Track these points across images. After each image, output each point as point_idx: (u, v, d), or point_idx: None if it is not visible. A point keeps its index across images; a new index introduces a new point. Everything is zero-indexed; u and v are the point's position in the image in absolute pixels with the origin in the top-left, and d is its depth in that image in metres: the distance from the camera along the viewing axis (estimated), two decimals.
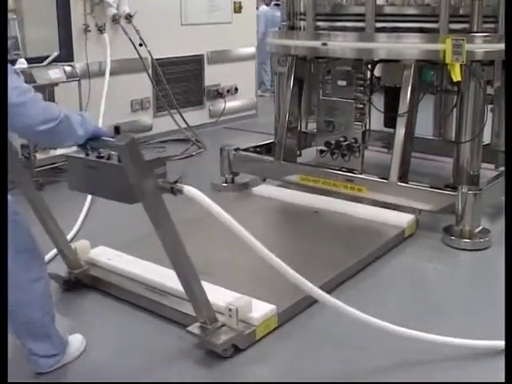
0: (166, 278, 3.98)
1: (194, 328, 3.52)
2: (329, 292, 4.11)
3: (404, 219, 5.23)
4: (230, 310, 3.55)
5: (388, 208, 5.43)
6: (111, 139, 3.14)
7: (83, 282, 4.34)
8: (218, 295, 3.74)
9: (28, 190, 3.74)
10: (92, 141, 3.13)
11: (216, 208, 3.14)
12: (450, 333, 3.71)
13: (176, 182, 3.17)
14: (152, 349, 3.64)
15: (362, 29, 5.49)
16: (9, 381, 2.77)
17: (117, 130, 3.24)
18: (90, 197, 5.71)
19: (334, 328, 3.80)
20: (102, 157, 3.23)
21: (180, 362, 3.53)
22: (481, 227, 5.03)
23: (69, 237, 5.01)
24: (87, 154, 3.28)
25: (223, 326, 3.54)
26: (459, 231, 5.03)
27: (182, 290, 3.61)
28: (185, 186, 3.14)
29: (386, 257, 4.87)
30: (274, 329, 3.75)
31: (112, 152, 3.21)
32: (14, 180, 3.46)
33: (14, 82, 2.73)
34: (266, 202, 5.97)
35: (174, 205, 3.27)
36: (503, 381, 2.69)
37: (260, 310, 3.70)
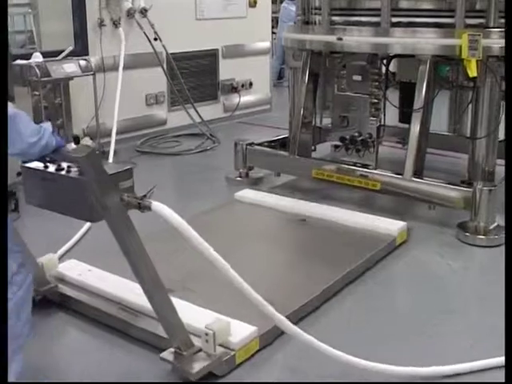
0: (140, 296, 3.52)
1: (168, 354, 3.26)
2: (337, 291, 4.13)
3: (395, 227, 4.99)
4: (206, 334, 3.27)
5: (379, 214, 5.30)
6: (70, 150, 2.95)
7: (51, 299, 4.01)
8: (194, 316, 3.51)
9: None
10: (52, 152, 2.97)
11: (185, 227, 2.91)
12: (463, 331, 3.72)
13: (144, 196, 2.94)
14: (124, 375, 3.39)
15: (377, 23, 5.46)
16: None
17: (76, 140, 3.07)
18: None
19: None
20: (61, 169, 2.99)
21: None
22: (496, 224, 5.00)
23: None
24: (46, 166, 3.05)
25: (200, 351, 3.29)
26: (474, 227, 5.01)
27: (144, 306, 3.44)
28: (153, 202, 2.91)
29: (399, 252, 4.86)
30: (257, 351, 3.49)
31: (71, 164, 2.98)
32: None
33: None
34: (251, 208, 5.64)
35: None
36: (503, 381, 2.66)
37: (240, 333, 3.42)
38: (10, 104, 2.73)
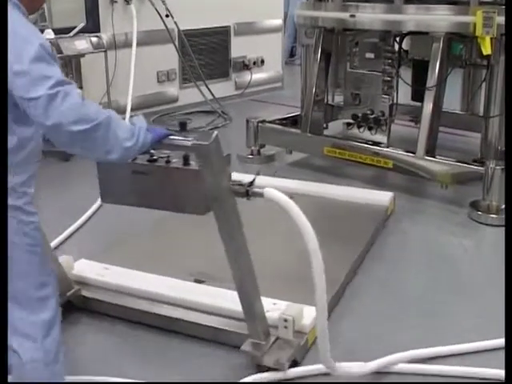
0: (174, 288, 3.64)
1: (248, 346, 3.15)
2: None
3: (385, 198, 5.06)
4: (285, 320, 3.18)
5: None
6: (182, 138, 2.64)
7: (74, 305, 3.68)
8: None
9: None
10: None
11: (298, 212, 2.75)
12: (473, 310, 3.72)
13: (251, 183, 2.76)
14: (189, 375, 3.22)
15: (390, 0, 5.43)
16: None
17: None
18: None
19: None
20: (154, 160, 2.79)
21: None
22: None
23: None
24: (134, 158, 2.74)
25: (277, 339, 3.20)
26: (486, 206, 4.99)
27: (196, 300, 3.42)
28: (265, 189, 2.74)
29: (411, 230, 4.87)
30: None
31: (171, 154, 2.76)
32: None
33: (47, 71, 2.30)
34: None
35: None
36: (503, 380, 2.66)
37: (309, 315, 3.27)
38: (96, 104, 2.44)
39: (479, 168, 5.04)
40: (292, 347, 3.19)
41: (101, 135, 2.34)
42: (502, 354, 2.98)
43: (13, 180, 2.42)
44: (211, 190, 2.71)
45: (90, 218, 5.05)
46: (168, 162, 2.78)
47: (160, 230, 4.65)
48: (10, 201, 2.41)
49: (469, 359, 3.30)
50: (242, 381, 3.09)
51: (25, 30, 2.35)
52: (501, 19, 4.85)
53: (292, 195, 4.94)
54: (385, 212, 4.99)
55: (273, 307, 3.35)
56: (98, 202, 5.01)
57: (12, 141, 2.40)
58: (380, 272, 4.22)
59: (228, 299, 3.42)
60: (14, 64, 2.27)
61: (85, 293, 3.71)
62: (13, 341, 2.54)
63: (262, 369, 3.16)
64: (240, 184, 2.77)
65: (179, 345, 3.43)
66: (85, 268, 3.90)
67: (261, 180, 4.82)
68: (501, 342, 3.30)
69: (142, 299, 3.64)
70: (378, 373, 3.18)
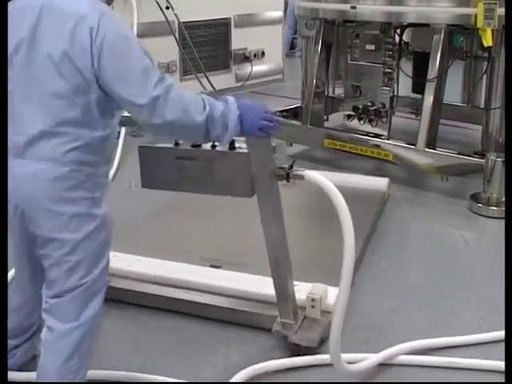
0: (201, 275, 3.68)
1: (279, 326, 3.23)
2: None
3: (382, 183, 5.23)
4: (313, 300, 3.29)
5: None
6: None
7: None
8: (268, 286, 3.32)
9: None
10: None
11: (337, 194, 2.84)
12: (474, 302, 3.73)
13: (291, 167, 2.86)
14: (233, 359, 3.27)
15: None
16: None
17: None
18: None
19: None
20: (198, 145, 2.83)
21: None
22: None
23: None
24: (177, 143, 2.86)
25: (305, 319, 3.30)
26: (486, 198, 5.00)
27: (229, 287, 3.46)
28: (305, 171, 2.85)
29: (412, 222, 4.88)
30: None
31: None
32: None
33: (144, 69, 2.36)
34: None
35: None
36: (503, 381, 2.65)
37: (333, 295, 3.23)
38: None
39: (480, 160, 5.04)
40: (320, 325, 3.27)
41: (201, 132, 2.43)
42: (502, 346, 2.99)
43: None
44: (257, 173, 2.80)
45: None
46: (214, 146, 2.83)
47: (164, 220, 4.71)
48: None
49: (469, 351, 3.30)
50: (243, 381, 3.07)
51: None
52: (502, 11, 4.84)
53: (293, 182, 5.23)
54: (383, 196, 5.10)
55: (313, 289, 3.39)
56: None
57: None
58: (381, 264, 4.23)
59: (249, 283, 3.52)
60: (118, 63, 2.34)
61: (115, 284, 3.61)
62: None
63: (293, 348, 3.22)
64: (281, 167, 2.85)
65: (210, 330, 3.48)
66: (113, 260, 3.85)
67: None
68: (501, 333, 3.30)
69: (165, 286, 3.68)
70: (378, 364, 3.18)
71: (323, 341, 3.24)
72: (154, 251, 3.97)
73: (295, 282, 3.38)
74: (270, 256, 3.08)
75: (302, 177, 2.85)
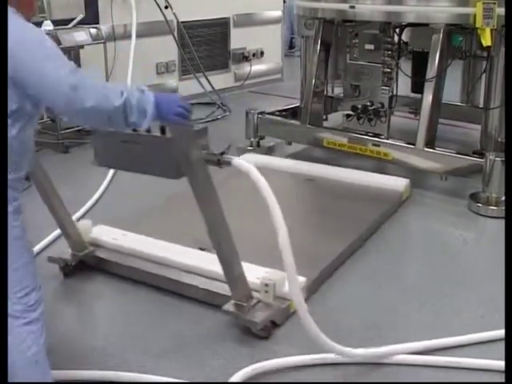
0: (182, 255, 3.92)
1: (230, 306, 3.40)
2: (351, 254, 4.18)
3: (400, 183, 5.24)
4: (266, 285, 3.43)
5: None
6: None
7: (88, 264, 4.10)
8: (246, 270, 3.47)
9: (36, 171, 3.50)
10: None
11: (263, 183, 2.94)
12: (474, 302, 3.73)
13: (223, 153, 3.02)
14: (178, 330, 3.52)
15: None
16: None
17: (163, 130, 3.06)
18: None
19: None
20: (137, 130, 2.95)
21: (212, 342, 3.39)
22: None
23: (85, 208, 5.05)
24: (134, 130, 2.98)
25: (259, 302, 3.43)
26: (486, 198, 5.00)
27: (197, 266, 3.59)
28: (233, 158, 3.01)
29: (412, 221, 4.88)
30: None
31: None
32: None
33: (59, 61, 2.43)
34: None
35: None
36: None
37: None
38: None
39: (479, 160, 5.04)
40: (271, 310, 3.41)
41: (119, 117, 2.49)
42: (502, 345, 2.99)
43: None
44: (182, 157, 2.97)
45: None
46: (148, 131, 2.98)
47: (171, 206, 4.95)
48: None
49: (469, 350, 3.30)
50: (243, 381, 3.08)
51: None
52: (501, 10, 4.84)
53: (312, 178, 5.40)
54: (399, 197, 5.12)
55: (268, 275, 3.52)
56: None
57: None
58: (379, 262, 4.23)
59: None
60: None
61: (99, 253, 4.11)
62: None
63: (243, 328, 3.42)
64: (212, 153, 3.04)
65: (175, 303, 3.73)
66: (103, 232, 4.27)
67: (281, 162, 5.64)
68: (501, 332, 3.30)
69: (147, 262, 3.98)
70: (376, 364, 3.18)
71: (275, 324, 3.43)
72: (155, 233, 4.23)
73: (268, 269, 3.58)
74: (211, 238, 3.23)
75: (229, 163, 3.00)
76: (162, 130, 2.96)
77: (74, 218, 4.23)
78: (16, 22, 2.42)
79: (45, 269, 3.85)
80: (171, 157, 2.98)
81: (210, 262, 3.63)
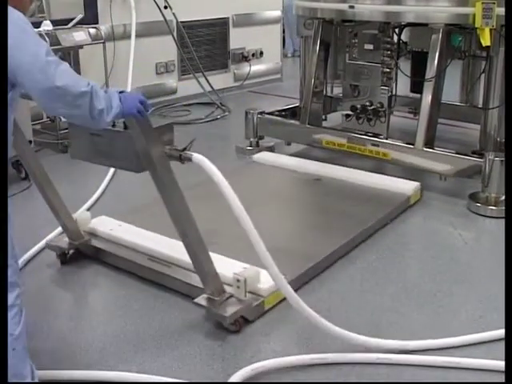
0: (171, 248, 3.94)
1: (202, 299, 3.46)
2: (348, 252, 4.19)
3: (409, 187, 5.19)
4: (238, 280, 3.47)
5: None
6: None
7: (85, 253, 4.25)
8: (223, 265, 3.61)
9: (29, 159, 3.70)
10: None
11: (220, 178, 3.04)
12: (473, 301, 3.73)
13: (185, 149, 3.10)
14: (159, 321, 3.58)
15: None
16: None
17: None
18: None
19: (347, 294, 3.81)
20: None
21: (189, 335, 3.44)
22: None
23: (86, 205, 5.09)
24: None
25: (231, 297, 3.48)
26: (485, 198, 4.99)
27: (188, 261, 3.54)
28: (194, 154, 3.07)
29: (411, 221, 4.88)
30: (284, 299, 3.50)
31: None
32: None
33: (40, 41, 2.54)
34: (268, 169, 5.84)
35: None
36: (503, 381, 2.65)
37: (269, 280, 3.43)
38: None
39: (478, 160, 5.04)
40: (242, 305, 3.45)
41: (86, 102, 2.54)
42: (501, 345, 3.00)
43: None
44: (142, 151, 3.03)
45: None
46: (113, 125, 3.04)
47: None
48: None
49: (468, 350, 3.29)
50: (242, 381, 3.07)
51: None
52: (500, 10, 4.84)
53: (320, 178, 5.45)
54: (405, 200, 5.09)
55: (242, 271, 3.57)
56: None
57: None
58: (379, 262, 4.23)
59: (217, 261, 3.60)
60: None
61: (94, 243, 4.24)
62: None
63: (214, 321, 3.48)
64: (174, 148, 3.12)
65: (170, 298, 3.80)
66: (101, 223, 4.41)
67: (289, 160, 5.75)
68: (500, 332, 3.30)
69: (138, 253, 4.10)
70: (376, 364, 3.18)
71: (247, 320, 3.50)
72: (149, 226, 4.31)
73: (245, 265, 3.64)
74: (178, 231, 3.29)
75: (189, 159, 3.08)
76: (125, 126, 3.03)
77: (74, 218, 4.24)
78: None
79: (43, 257, 4.25)
80: (133, 151, 3.05)
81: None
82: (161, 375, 3.11)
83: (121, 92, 2.79)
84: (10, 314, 2.59)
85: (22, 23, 2.51)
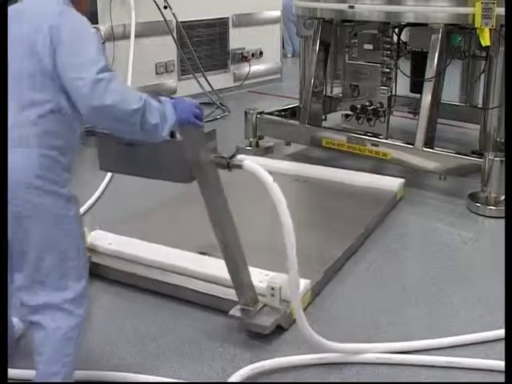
0: (178, 258, 3.89)
1: (236, 311, 3.37)
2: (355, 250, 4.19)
3: (394, 183, 5.26)
4: (272, 288, 3.38)
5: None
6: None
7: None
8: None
9: None
10: None
11: (274, 186, 2.95)
12: (472, 301, 3.73)
13: (232, 156, 3.02)
14: (159, 323, 3.55)
15: None
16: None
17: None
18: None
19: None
20: None
21: (189, 335, 3.44)
22: None
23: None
24: None
25: (264, 306, 3.40)
26: (485, 198, 5.00)
27: (194, 269, 3.57)
28: (244, 161, 3.00)
29: (411, 221, 4.89)
30: (308, 304, 3.63)
31: None
32: None
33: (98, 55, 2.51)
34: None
35: None
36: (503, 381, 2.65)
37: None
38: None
39: (478, 160, 5.04)
40: (278, 314, 3.37)
41: (137, 119, 2.50)
42: (501, 345, 3.00)
43: None
44: (193, 161, 2.94)
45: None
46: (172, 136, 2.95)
47: (171, 207, 4.96)
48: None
49: (468, 350, 3.30)
50: (242, 382, 3.08)
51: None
52: (500, 10, 4.83)
53: (306, 179, 5.41)
54: (393, 197, 5.12)
55: (266, 278, 3.50)
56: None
57: None
58: (379, 262, 4.23)
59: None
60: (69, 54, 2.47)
61: (94, 259, 3.99)
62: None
63: (250, 333, 3.38)
64: (222, 156, 3.02)
65: (178, 308, 3.69)
66: (99, 237, 4.19)
67: (272, 163, 5.43)
68: (499, 332, 3.31)
69: (147, 267, 3.93)
70: (376, 364, 3.18)
71: (282, 328, 3.40)
72: (156, 237, 4.19)
73: (268, 272, 3.55)
74: (219, 241, 3.20)
75: (240, 166, 3.00)
76: (171, 134, 2.89)
77: None
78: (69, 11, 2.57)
79: None
80: (183, 160, 2.93)
81: (213, 267, 3.71)
82: (161, 375, 3.12)
83: (172, 99, 2.73)
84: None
85: (85, 31, 2.55)
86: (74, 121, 2.59)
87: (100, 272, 3.96)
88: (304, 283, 3.52)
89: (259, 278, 3.52)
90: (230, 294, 3.48)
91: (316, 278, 3.77)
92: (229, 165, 3.01)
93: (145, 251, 4.03)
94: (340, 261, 4.14)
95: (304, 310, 3.40)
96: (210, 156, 2.99)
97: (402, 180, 5.31)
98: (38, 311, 2.60)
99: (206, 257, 3.93)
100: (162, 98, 2.69)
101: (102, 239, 4.18)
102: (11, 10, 2.60)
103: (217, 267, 3.63)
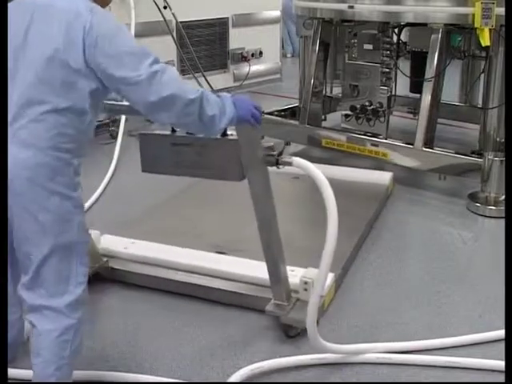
0: (201, 259, 3.86)
1: (272, 307, 3.38)
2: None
3: (385, 177, 5.35)
4: (305, 283, 3.40)
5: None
6: None
7: (102, 276, 3.91)
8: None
9: None
10: None
11: (325, 182, 2.93)
12: (472, 301, 3.73)
13: (281, 153, 3.01)
14: (158, 322, 3.55)
15: None
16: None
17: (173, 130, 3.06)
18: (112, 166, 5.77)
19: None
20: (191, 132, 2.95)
21: (189, 336, 3.43)
22: None
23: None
24: (173, 131, 3.03)
25: (298, 301, 3.42)
26: (484, 198, 5.00)
27: (216, 268, 3.56)
28: (294, 158, 2.98)
29: (411, 221, 4.89)
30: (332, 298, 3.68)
31: None
32: None
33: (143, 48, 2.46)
34: None
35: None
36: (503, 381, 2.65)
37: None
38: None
39: (477, 159, 5.04)
40: None
41: (195, 109, 2.47)
42: (501, 345, 3.00)
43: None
44: (246, 159, 2.95)
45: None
46: (224, 134, 2.96)
47: (174, 208, 4.94)
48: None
49: (468, 350, 3.29)
50: (242, 382, 3.07)
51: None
52: (499, 10, 4.83)
53: (298, 176, 5.16)
54: (386, 190, 5.20)
55: (291, 273, 3.47)
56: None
57: None
58: (378, 262, 4.23)
59: (249, 267, 3.67)
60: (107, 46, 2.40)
61: (112, 264, 3.94)
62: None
63: (284, 328, 3.38)
64: (271, 154, 2.99)
65: (206, 310, 3.67)
66: (111, 242, 4.09)
67: None
68: (499, 332, 3.30)
69: (168, 269, 3.87)
70: (376, 364, 3.18)
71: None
72: (167, 237, 4.18)
73: (293, 268, 3.52)
74: (262, 239, 3.21)
75: (290, 163, 2.98)
76: (223, 133, 2.92)
77: None
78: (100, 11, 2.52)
79: None
80: (236, 159, 2.94)
81: (234, 265, 3.76)
82: (160, 375, 3.11)
83: (233, 97, 2.70)
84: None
85: (120, 26, 2.52)
86: (90, 123, 2.54)
87: (119, 277, 3.93)
88: (330, 276, 3.57)
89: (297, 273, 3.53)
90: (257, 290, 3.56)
91: (337, 273, 3.78)
92: (278, 162, 3.00)
93: (164, 253, 3.98)
94: (352, 256, 4.17)
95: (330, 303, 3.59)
96: (261, 154, 2.98)
97: (391, 173, 5.41)
98: (34, 311, 2.59)
99: (225, 256, 3.97)
100: (222, 94, 2.68)
101: (115, 244, 4.09)
102: (33, 3, 2.49)
103: (234, 265, 3.76)
